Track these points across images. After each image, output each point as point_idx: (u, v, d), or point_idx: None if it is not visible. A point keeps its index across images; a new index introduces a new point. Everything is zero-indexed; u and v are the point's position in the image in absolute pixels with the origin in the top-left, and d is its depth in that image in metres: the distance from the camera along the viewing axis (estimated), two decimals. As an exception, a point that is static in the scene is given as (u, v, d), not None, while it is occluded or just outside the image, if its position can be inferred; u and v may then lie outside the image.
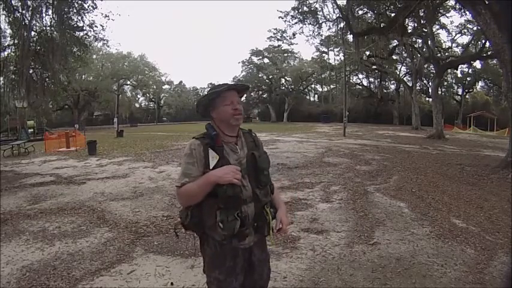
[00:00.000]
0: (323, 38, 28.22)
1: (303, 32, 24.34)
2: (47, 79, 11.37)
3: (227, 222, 1.39)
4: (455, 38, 27.57)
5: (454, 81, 36.82)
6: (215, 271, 1.51)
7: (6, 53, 10.85)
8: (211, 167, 1.42)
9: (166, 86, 50.98)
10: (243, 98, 1.78)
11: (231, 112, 1.48)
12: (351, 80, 39.33)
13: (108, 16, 11.72)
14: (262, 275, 1.62)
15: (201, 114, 1.60)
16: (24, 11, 9.42)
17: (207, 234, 1.49)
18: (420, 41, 22.50)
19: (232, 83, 1.60)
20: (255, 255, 1.58)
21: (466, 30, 24.82)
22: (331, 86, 47.13)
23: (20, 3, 9.42)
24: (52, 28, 9.96)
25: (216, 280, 1.51)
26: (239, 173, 1.39)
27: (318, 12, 19.31)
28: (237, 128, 1.55)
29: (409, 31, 18.13)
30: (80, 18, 10.52)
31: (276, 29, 41.06)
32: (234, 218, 1.39)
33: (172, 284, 2.63)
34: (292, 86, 44.93)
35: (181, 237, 3.55)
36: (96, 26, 11.28)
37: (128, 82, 40.09)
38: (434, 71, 22.24)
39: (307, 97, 50.91)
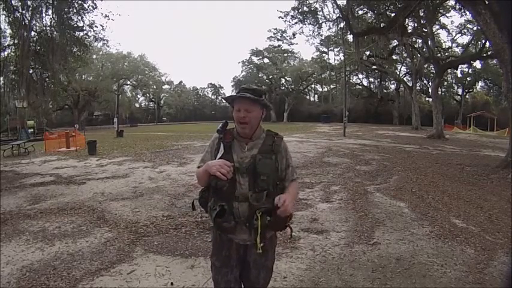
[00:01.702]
0: (323, 38, 28.38)
1: (303, 32, 24.37)
2: (47, 79, 11.38)
3: (211, 210, 1.53)
4: (455, 38, 27.64)
5: (454, 81, 36.81)
6: (214, 257, 1.68)
7: (6, 53, 10.87)
8: (216, 158, 1.58)
9: (166, 86, 50.98)
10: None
11: (237, 120, 1.59)
12: (351, 80, 39.36)
13: (108, 16, 11.74)
14: (258, 278, 1.64)
15: None
16: (24, 11, 9.44)
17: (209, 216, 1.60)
18: (420, 41, 22.49)
19: (257, 88, 1.63)
20: (250, 256, 1.61)
21: (466, 30, 24.89)
22: (331, 86, 47.15)
23: (20, 3, 9.43)
24: (52, 28, 9.97)
25: (213, 266, 1.67)
26: (226, 168, 1.45)
27: (318, 12, 19.36)
28: (248, 133, 1.59)
29: (409, 31, 18.13)
30: (80, 18, 10.54)
31: (276, 29, 41.19)
32: (216, 208, 1.50)
33: (172, 284, 2.63)
34: (292, 86, 44.94)
35: (181, 237, 3.57)
36: (96, 26, 11.30)
37: (128, 82, 40.10)
38: (434, 71, 22.25)
39: (307, 97, 50.91)
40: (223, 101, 1.74)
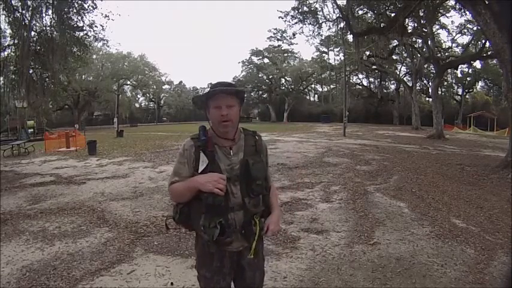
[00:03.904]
0: (323, 38, 28.32)
1: (303, 32, 24.39)
2: (47, 79, 11.36)
3: (208, 228, 1.37)
4: (455, 38, 27.57)
5: (454, 81, 36.78)
6: (203, 269, 1.54)
7: (6, 53, 10.86)
8: (199, 171, 1.41)
9: (166, 86, 51.01)
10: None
11: (218, 118, 1.42)
12: (351, 80, 39.28)
13: (108, 16, 11.71)
14: (253, 279, 1.59)
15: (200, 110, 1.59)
16: (24, 11, 9.42)
17: (202, 234, 1.48)
18: (420, 41, 22.47)
19: (231, 82, 1.52)
20: (244, 259, 1.54)
21: (466, 30, 24.82)
22: (331, 86, 47.13)
23: (20, 3, 9.42)
24: (52, 28, 9.96)
25: (203, 277, 1.54)
26: (223, 182, 1.34)
27: (318, 12, 19.31)
28: (230, 133, 1.46)
29: (409, 31, 18.10)
30: (80, 18, 10.51)
31: (276, 29, 41.14)
32: (215, 226, 1.36)
33: (172, 284, 2.63)
34: (292, 86, 44.94)
35: (181, 237, 3.56)
36: (96, 26, 11.27)
37: (128, 82, 40.09)
38: (434, 71, 22.24)
39: (307, 97, 50.89)
40: (192, 102, 1.56)
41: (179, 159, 1.49)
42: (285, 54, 45.35)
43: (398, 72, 34.36)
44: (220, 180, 1.34)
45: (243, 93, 1.51)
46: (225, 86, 1.44)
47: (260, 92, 46.58)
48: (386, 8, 15.84)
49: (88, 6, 10.46)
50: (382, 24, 15.68)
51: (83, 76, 32.24)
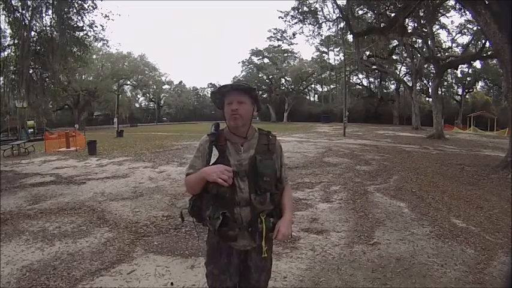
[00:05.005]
0: (323, 38, 28.32)
1: (303, 32, 24.27)
2: (47, 79, 11.37)
3: (212, 219, 1.45)
4: (455, 38, 27.57)
5: (454, 81, 36.84)
6: (211, 265, 1.59)
7: (6, 53, 10.86)
8: (210, 164, 1.48)
9: (166, 86, 51.11)
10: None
11: (229, 113, 1.49)
12: (351, 80, 39.35)
13: (108, 16, 11.75)
14: (259, 281, 1.61)
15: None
16: (24, 11, 9.43)
17: (208, 225, 1.52)
18: (420, 41, 22.47)
19: (245, 83, 1.60)
20: (251, 260, 1.56)
21: (466, 30, 24.83)
22: (331, 86, 47.18)
23: (20, 3, 9.42)
24: (52, 28, 9.97)
25: (211, 274, 1.59)
26: (227, 174, 1.38)
27: (318, 12, 19.33)
28: (241, 129, 1.51)
29: (409, 31, 18.10)
30: (80, 18, 10.53)
31: (276, 29, 41.19)
32: (218, 216, 1.43)
33: (172, 284, 2.63)
34: (292, 86, 44.99)
35: (181, 237, 3.57)
36: (96, 26, 11.30)
37: (128, 82, 40.16)
38: (434, 71, 22.24)
39: (307, 97, 50.98)
40: (211, 100, 1.65)
41: (195, 154, 1.60)
42: (285, 54, 45.43)
43: (398, 72, 34.41)
44: (225, 172, 1.39)
45: (254, 91, 1.56)
46: (239, 86, 1.54)
47: (260, 92, 46.58)
48: (386, 8, 15.83)
49: (88, 6, 10.48)
50: (382, 24, 15.68)
51: (83, 76, 32.29)
